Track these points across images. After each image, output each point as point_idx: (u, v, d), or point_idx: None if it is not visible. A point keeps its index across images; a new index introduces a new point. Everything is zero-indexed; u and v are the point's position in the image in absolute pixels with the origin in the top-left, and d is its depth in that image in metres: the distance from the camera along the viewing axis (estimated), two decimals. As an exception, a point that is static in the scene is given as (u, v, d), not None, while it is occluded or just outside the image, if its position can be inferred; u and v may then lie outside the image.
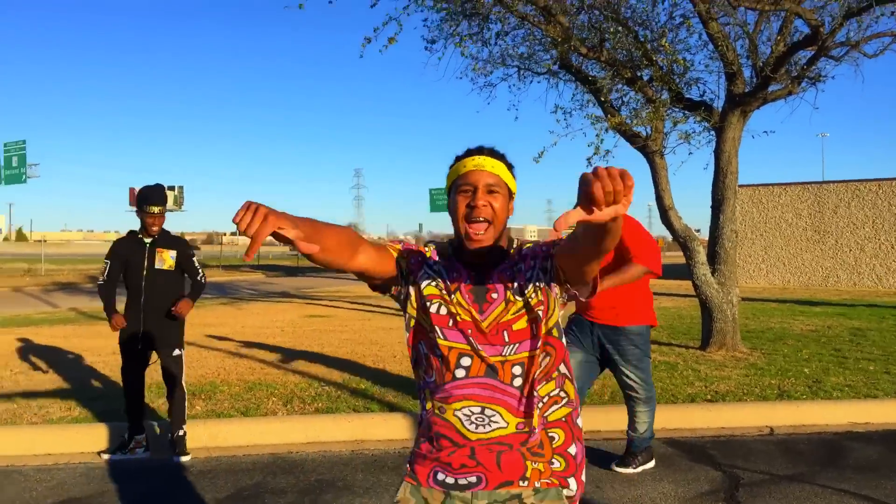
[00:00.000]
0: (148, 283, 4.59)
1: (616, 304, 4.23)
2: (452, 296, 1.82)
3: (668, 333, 9.85)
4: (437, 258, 1.89)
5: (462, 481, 1.81)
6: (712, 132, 8.60)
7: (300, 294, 19.30)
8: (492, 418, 1.79)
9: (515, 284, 1.81)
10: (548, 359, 1.82)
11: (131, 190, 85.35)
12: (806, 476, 4.27)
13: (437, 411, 1.84)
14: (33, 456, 4.64)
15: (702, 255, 8.26)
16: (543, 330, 1.80)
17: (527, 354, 1.80)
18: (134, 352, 4.64)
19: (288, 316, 12.58)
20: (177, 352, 4.67)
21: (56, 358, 7.92)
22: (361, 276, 1.82)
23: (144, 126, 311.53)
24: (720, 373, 6.92)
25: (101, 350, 8.48)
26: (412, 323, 1.88)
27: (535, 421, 1.80)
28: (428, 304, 1.84)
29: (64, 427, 4.93)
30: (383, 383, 6.43)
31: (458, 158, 1.86)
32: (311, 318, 12.50)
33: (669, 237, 9.08)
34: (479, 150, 1.86)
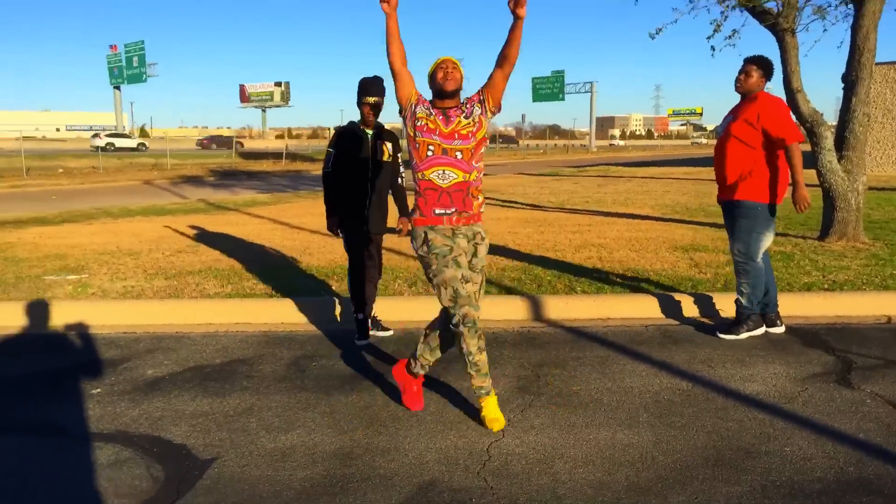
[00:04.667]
0: (373, 174, 4.76)
1: (734, 182, 4.72)
2: (431, 116, 3.46)
3: (785, 224, 9.63)
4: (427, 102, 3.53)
5: (448, 210, 3.45)
6: (850, 6, 8.03)
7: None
8: (449, 174, 3.43)
9: (464, 115, 3.47)
10: (481, 149, 3.52)
11: (241, 87, 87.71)
12: (923, 362, 4.31)
13: (419, 176, 3.48)
14: (197, 325, 5.30)
15: (829, 141, 7.93)
16: (479, 136, 3.49)
17: (468, 146, 3.45)
18: (362, 239, 4.82)
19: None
20: (380, 239, 4.99)
21: (198, 243, 8.71)
22: (396, 78, 3.50)
23: (252, 25, 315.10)
24: (839, 263, 6.83)
25: (237, 236, 9.24)
26: (408, 132, 3.53)
27: (472, 175, 3.48)
28: (417, 121, 3.47)
29: (220, 301, 5.57)
30: (501, 268, 6.76)
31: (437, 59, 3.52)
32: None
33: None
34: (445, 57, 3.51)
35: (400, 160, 4.97)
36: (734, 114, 4.77)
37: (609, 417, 3.58)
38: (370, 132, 4.77)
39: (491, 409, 3.46)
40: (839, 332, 4.96)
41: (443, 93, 3.47)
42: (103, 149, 44.13)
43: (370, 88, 4.67)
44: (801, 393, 3.86)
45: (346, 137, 4.77)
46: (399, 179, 4.98)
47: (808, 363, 4.34)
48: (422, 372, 3.72)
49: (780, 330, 4.94)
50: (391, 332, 5.06)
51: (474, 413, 3.60)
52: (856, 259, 7.02)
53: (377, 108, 4.72)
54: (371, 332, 5.05)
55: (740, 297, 4.83)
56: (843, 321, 5.23)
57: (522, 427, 3.47)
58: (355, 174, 4.76)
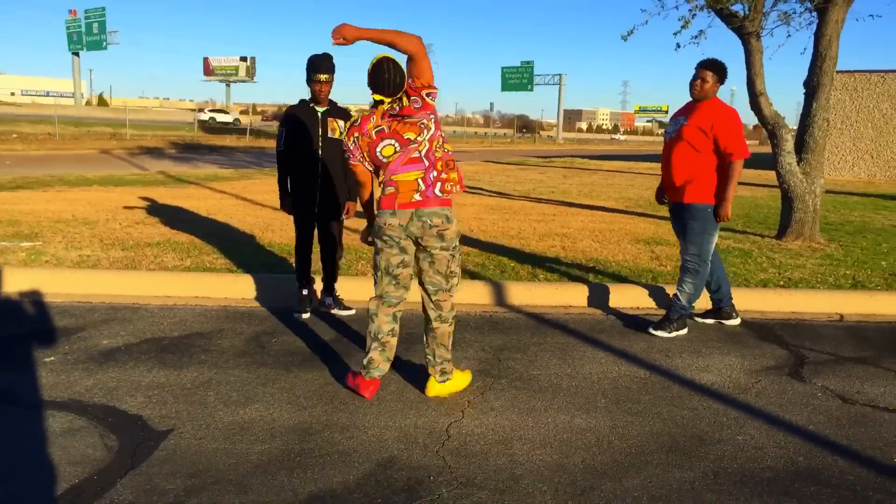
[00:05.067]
0: (323, 151, 4.75)
1: (682, 184, 4.70)
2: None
3: (744, 222, 9.84)
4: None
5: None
6: (814, 13, 8.19)
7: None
8: None
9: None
10: None
11: (206, 60, 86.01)
12: (871, 359, 4.45)
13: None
14: (154, 297, 5.19)
15: (789, 144, 8.10)
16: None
17: None
18: (310, 217, 4.86)
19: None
20: (341, 217, 4.96)
21: (157, 215, 8.53)
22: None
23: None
24: (795, 261, 6.99)
25: (198, 210, 9.07)
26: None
27: None
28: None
29: (178, 274, 5.46)
30: (466, 253, 6.76)
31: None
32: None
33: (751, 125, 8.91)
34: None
35: None
36: (686, 116, 4.70)
37: (567, 402, 3.61)
38: (321, 109, 4.76)
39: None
40: (793, 328, 5.08)
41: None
42: (206, 122, 49.29)
43: (321, 65, 4.63)
44: (755, 384, 3.95)
45: (298, 115, 4.75)
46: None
47: (763, 356, 4.45)
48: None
49: (736, 322, 5.05)
50: (353, 312, 5.03)
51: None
52: (811, 258, 7.20)
53: (328, 85, 4.69)
54: (333, 311, 5.03)
55: (679, 296, 4.78)
56: (797, 317, 5.36)
57: (482, 409, 3.49)
58: (306, 152, 4.74)
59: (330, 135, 4.77)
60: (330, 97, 4.78)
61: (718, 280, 5.00)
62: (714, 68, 4.62)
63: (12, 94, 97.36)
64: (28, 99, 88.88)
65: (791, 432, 3.36)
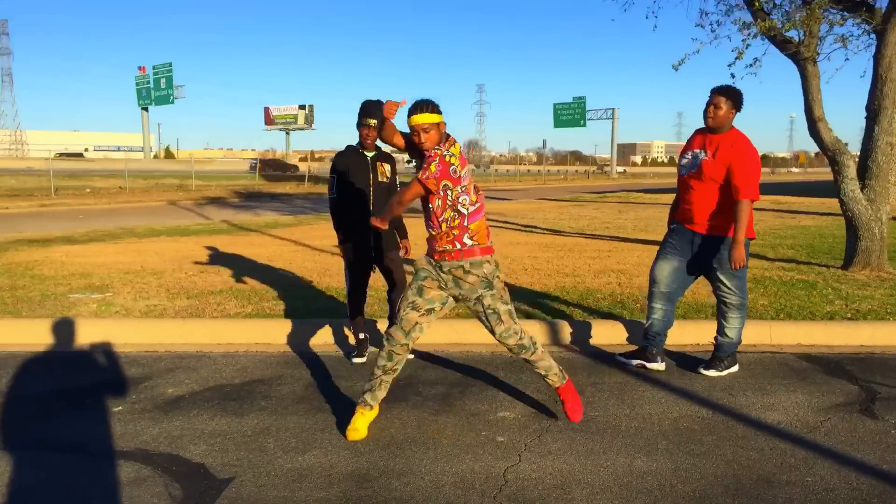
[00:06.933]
0: (374, 195, 4.86)
1: (717, 218, 4.44)
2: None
3: (808, 252, 9.55)
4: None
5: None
6: (872, 35, 8.01)
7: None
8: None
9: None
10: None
11: (266, 109, 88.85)
12: (950, 394, 4.24)
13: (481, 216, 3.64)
14: (217, 344, 5.35)
15: (851, 170, 7.88)
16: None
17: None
18: (367, 261, 4.94)
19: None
20: (397, 254, 5.03)
21: (221, 263, 8.81)
22: (399, 149, 3.65)
23: (277, 49, 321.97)
24: (863, 292, 6.74)
25: (259, 257, 9.33)
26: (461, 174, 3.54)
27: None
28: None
29: (240, 321, 5.62)
30: (520, 292, 6.76)
31: (409, 113, 3.40)
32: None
33: (811, 151, 8.70)
34: (417, 108, 3.39)
35: (398, 181, 5.03)
36: (705, 150, 4.42)
37: (627, 444, 3.55)
38: (370, 154, 4.87)
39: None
40: (862, 362, 4.89)
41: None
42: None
43: (372, 110, 4.75)
44: (824, 422, 3.81)
45: (347, 161, 4.86)
46: None
47: (831, 393, 4.28)
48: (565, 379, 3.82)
49: (661, 367, 4.74)
50: (412, 356, 5.07)
51: (491, 437, 3.59)
52: (880, 289, 6.93)
53: (374, 130, 4.79)
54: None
55: (727, 333, 4.62)
56: (866, 351, 5.16)
57: (539, 452, 3.45)
58: (359, 197, 4.84)
59: (380, 179, 4.87)
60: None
61: (667, 323, 4.75)
62: (728, 94, 4.35)
63: (86, 150, 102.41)
64: (100, 154, 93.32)
65: (863, 472, 3.22)
